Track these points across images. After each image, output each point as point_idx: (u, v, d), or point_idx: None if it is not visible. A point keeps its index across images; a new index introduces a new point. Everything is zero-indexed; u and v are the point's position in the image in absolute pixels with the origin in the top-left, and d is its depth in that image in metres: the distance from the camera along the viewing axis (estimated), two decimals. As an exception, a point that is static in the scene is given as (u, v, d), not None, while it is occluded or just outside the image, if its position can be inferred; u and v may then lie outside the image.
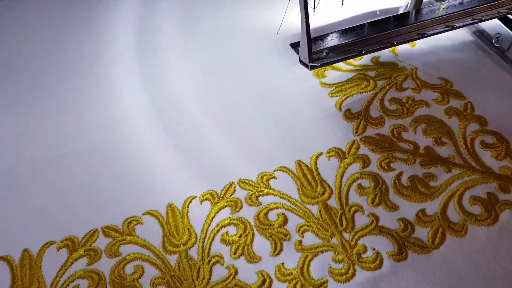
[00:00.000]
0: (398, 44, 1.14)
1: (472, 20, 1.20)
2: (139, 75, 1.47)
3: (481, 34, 1.49)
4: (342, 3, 1.28)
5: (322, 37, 1.16)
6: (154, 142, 1.29)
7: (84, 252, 1.09)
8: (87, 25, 1.64)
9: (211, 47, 1.54)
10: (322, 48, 1.13)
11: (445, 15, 1.19)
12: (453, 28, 1.17)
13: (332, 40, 1.16)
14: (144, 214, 1.15)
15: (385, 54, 1.46)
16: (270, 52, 1.49)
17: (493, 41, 1.44)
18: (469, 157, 1.17)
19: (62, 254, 1.10)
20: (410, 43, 1.48)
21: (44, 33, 1.62)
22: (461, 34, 1.51)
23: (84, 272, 1.06)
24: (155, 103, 1.38)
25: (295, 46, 1.13)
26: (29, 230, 1.14)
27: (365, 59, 1.45)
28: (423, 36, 1.16)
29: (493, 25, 1.44)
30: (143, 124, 1.33)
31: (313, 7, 1.16)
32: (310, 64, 1.09)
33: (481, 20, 1.21)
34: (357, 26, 1.19)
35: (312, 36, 1.20)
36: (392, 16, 1.23)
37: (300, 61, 1.12)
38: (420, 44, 1.48)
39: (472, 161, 1.16)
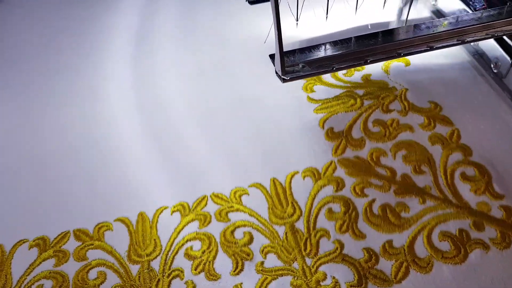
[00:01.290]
0: (371, 62, 1.11)
1: (457, 41, 1.16)
2: (129, 75, 1.49)
3: (481, 58, 1.44)
4: (327, 17, 1.25)
5: (302, 50, 1.14)
6: (133, 147, 1.30)
7: (53, 253, 1.12)
8: (86, 23, 1.66)
9: (203, 52, 1.54)
10: (299, 61, 1.11)
11: (431, 34, 1.16)
12: (432, 48, 1.14)
13: (311, 53, 1.13)
14: (115, 220, 1.16)
15: (377, 72, 1.43)
16: (261, 60, 1.48)
17: (492, 66, 1.39)
18: (447, 189, 1.14)
19: (32, 253, 1.13)
20: (405, 62, 1.44)
21: (41, 31, 1.65)
22: (460, 56, 1.46)
23: (50, 272, 1.09)
24: (139, 107, 1.40)
25: (273, 57, 1.12)
26: (5, 227, 1.17)
27: (355, 76, 1.42)
28: (399, 55, 1.13)
29: (493, 49, 1.39)
30: (124, 129, 1.34)
31: (296, 19, 1.14)
32: (282, 76, 1.08)
33: (463, 42, 1.17)
34: (338, 40, 1.17)
35: (294, 48, 1.18)
36: (381, 31, 1.20)
37: (276, 72, 1.11)
38: (415, 64, 1.44)
39: (449, 194, 1.13)
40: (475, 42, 1.44)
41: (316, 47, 1.18)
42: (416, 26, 1.21)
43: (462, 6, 1.44)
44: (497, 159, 1.18)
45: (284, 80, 1.09)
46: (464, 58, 1.45)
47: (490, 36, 1.16)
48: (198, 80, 1.45)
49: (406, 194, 1.13)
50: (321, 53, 1.17)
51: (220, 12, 1.65)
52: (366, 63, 1.10)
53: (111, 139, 1.32)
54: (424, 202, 1.12)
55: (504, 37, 1.30)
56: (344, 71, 1.44)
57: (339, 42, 1.18)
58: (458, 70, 1.41)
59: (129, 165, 1.26)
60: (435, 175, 1.17)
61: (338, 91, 1.39)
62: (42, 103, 1.44)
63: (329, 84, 1.41)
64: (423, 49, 1.13)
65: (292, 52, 1.17)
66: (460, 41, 1.14)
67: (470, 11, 1.39)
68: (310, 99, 1.38)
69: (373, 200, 1.13)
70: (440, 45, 1.13)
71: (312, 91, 1.40)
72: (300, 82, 1.43)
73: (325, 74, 1.44)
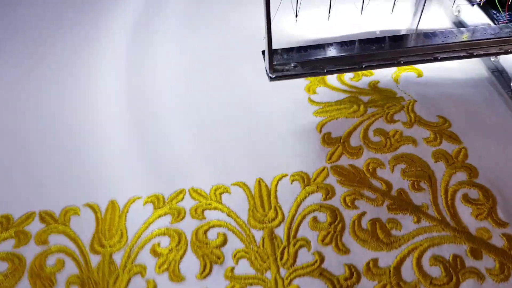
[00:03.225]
0: (367, 68, 1.02)
1: (465, 53, 1.06)
2: (124, 59, 1.42)
3: (500, 75, 1.33)
4: (329, 17, 1.16)
5: (299, 49, 1.06)
6: (114, 133, 1.23)
7: (14, 233, 1.04)
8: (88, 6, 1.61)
9: (203, 45, 1.46)
10: (292, 60, 1.03)
11: (439, 44, 1.06)
12: (436, 59, 1.04)
13: (308, 53, 1.05)
14: (84, 205, 1.09)
15: (385, 80, 1.33)
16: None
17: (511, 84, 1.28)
18: (446, 210, 1.03)
19: (-8, 231, 1.06)
20: (417, 72, 1.35)
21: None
22: (478, 71, 1.35)
23: (7, 254, 1.01)
24: (128, 92, 1.32)
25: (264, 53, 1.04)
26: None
27: (362, 82, 1.33)
28: (399, 63, 1.04)
29: (514, 66, 1.28)
30: (108, 113, 1.27)
31: (295, 15, 1.06)
32: (269, 75, 1.00)
33: (472, 56, 1.07)
34: (341, 42, 1.08)
35: (293, 46, 1.10)
36: (388, 36, 1.11)
37: (266, 70, 1.03)
38: (428, 76, 1.34)
39: (448, 215, 1.02)
40: (496, 59, 1.34)
41: (315, 47, 1.10)
42: (426, 34, 1.11)
43: (487, 20, 1.35)
44: (505, 184, 1.07)
45: (270, 79, 1.01)
46: (482, 74, 1.34)
47: (503, 51, 1.06)
48: (194, 73, 1.38)
49: (400, 211, 1.03)
50: (319, 54, 1.09)
51: (226, 5, 1.58)
52: (361, 68, 1.02)
53: (93, 122, 1.25)
54: (418, 222, 1.01)
55: (527, 53, 1.19)
56: (351, 75, 1.34)
57: (341, 44, 1.10)
58: (473, 87, 1.31)
59: (107, 150, 1.19)
60: (434, 194, 1.06)
61: (342, 96, 1.29)
62: (32, 76, 1.38)
63: (333, 88, 1.32)
64: (425, 58, 1.04)
65: (288, 50, 1.09)
66: (468, 54, 1.05)
67: (493, 25, 1.30)
68: (311, 101, 1.29)
69: (363, 213, 1.03)
70: (446, 56, 1.03)
71: (315, 92, 1.31)
72: (303, 83, 1.34)
73: (331, 77, 1.35)
